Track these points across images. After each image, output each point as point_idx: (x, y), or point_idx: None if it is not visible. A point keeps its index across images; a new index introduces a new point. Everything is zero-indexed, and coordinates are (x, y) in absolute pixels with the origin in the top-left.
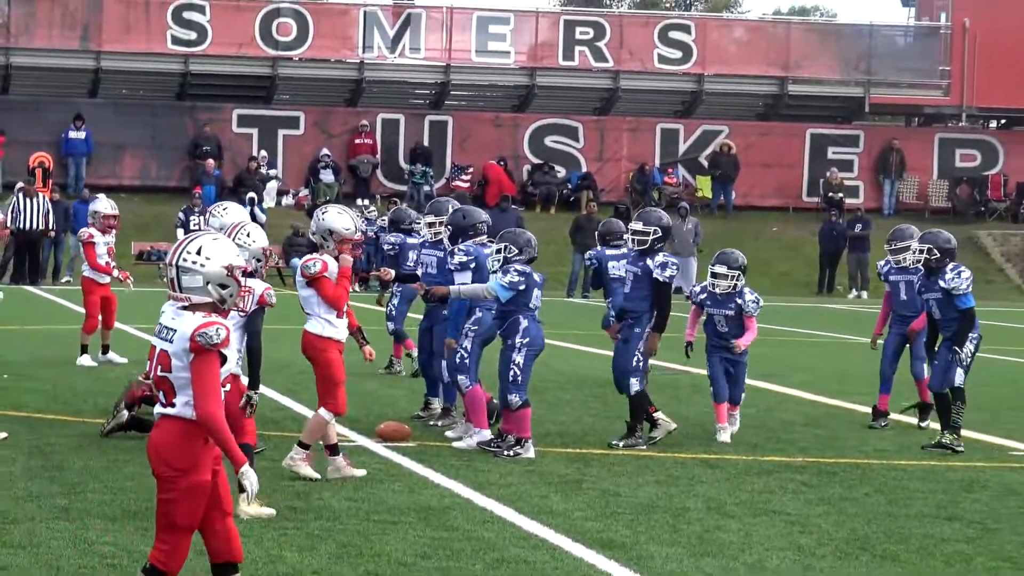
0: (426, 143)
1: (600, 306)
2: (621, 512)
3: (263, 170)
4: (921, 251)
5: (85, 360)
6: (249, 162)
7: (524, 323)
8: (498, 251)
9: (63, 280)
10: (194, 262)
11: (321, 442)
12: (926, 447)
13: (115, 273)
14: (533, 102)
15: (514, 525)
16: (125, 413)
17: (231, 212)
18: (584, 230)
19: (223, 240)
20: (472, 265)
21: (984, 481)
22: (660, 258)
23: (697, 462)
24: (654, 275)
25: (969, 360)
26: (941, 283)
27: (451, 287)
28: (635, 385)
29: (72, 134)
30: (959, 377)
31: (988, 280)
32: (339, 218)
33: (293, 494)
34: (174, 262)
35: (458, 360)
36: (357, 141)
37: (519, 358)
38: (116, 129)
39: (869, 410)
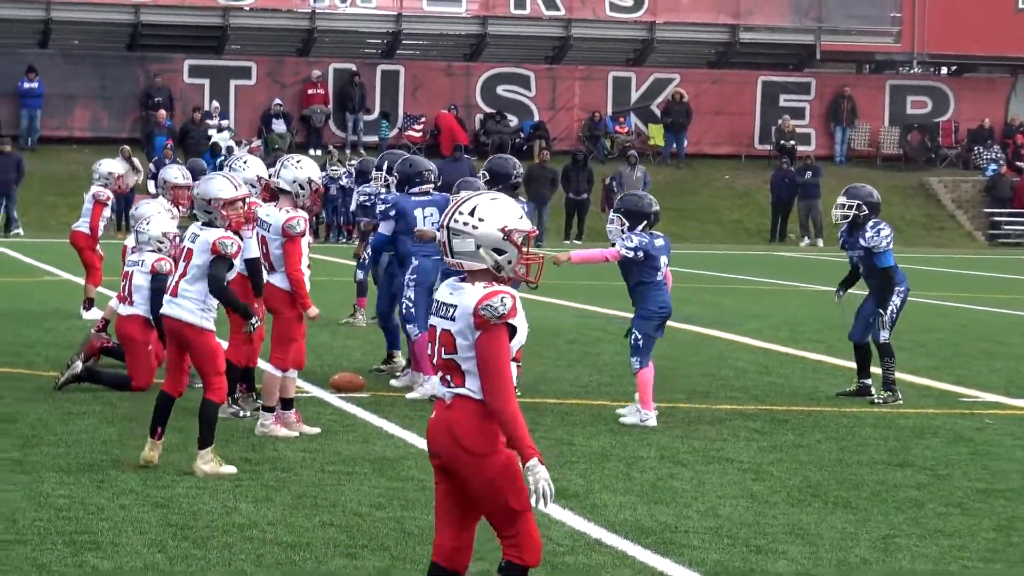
0: (378, 93)
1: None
2: (575, 461)
3: (211, 121)
4: (849, 206)
5: (94, 313)
6: (194, 113)
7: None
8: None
9: (13, 233)
10: (466, 223)
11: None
12: (875, 401)
13: (97, 247)
14: (485, 51)
15: None
16: (79, 364)
17: (253, 166)
18: (537, 179)
19: (503, 200)
20: (392, 212)
21: (935, 428)
22: None
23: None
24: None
25: (896, 314)
26: (861, 240)
27: (437, 232)
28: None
29: (27, 85)
30: (884, 334)
31: (940, 227)
32: (315, 167)
33: (248, 446)
34: (446, 223)
35: (404, 310)
36: (310, 91)
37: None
38: (67, 80)
39: (821, 357)
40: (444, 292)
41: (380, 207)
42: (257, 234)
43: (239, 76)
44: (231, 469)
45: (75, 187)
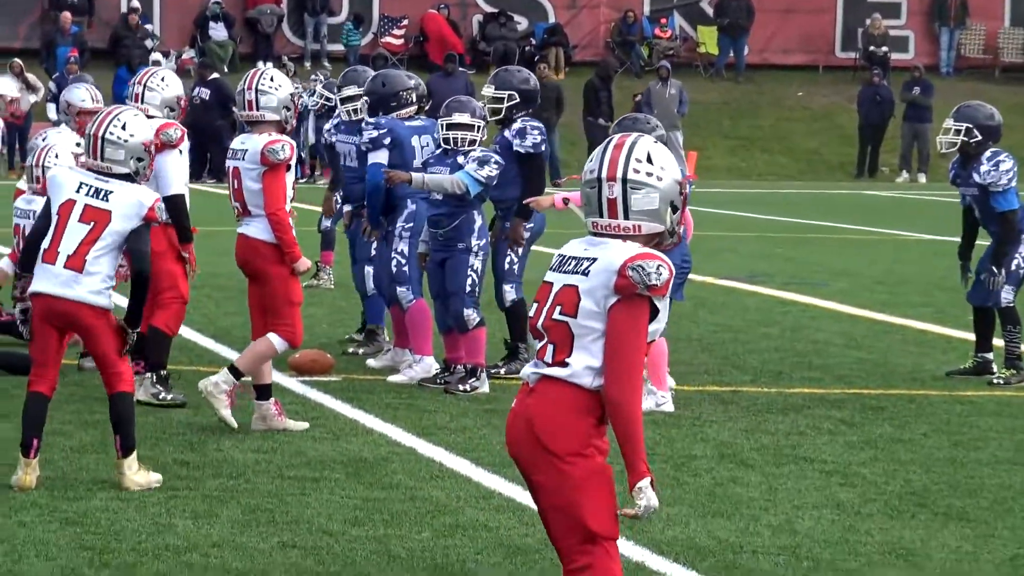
0: None
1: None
2: (608, 462)
3: (149, 25)
4: (958, 131)
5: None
6: (130, 14)
7: (479, 221)
8: (476, 129)
9: None
10: (649, 173)
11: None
12: (993, 381)
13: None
14: None
15: (470, 481)
16: None
17: (172, 84)
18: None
19: (663, 148)
20: (387, 140)
21: None
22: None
23: (705, 396)
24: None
25: (1022, 272)
26: (975, 176)
27: (413, 174)
28: (510, 293)
29: None
30: (1005, 296)
31: None
32: (288, 81)
33: (184, 444)
34: (620, 175)
35: (395, 267)
36: None
37: (477, 263)
38: None
39: (926, 326)
40: (576, 246)
41: (369, 134)
42: (228, 168)
43: None
44: (156, 477)
45: None
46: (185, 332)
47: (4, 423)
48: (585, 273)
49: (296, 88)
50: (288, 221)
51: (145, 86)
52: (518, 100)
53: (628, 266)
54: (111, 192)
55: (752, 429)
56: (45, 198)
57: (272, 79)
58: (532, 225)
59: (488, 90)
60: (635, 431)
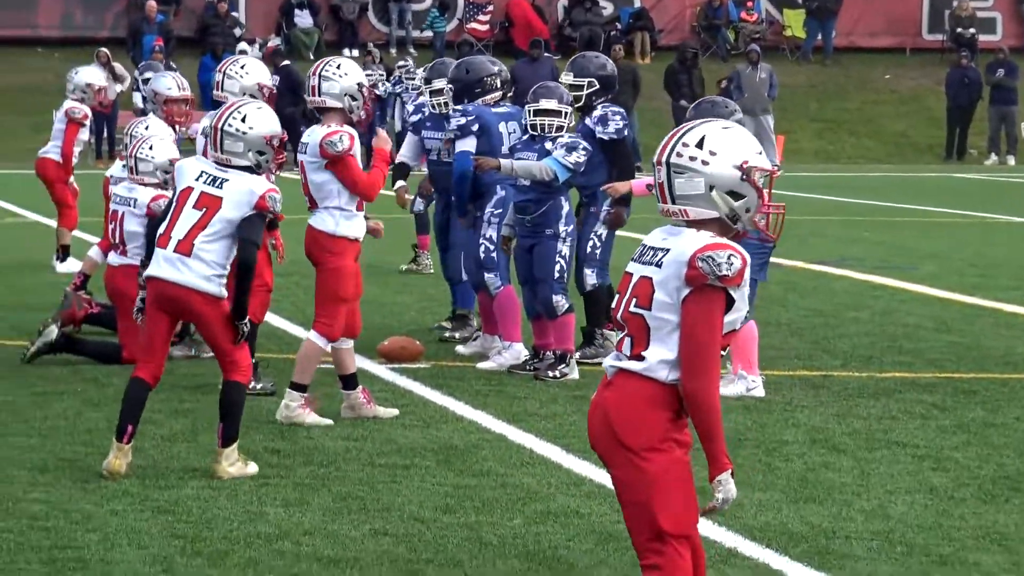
0: None
1: None
2: (700, 448)
3: (236, 13)
4: None
5: (70, 265)
6: (219, 3)
7: (566, 207)
8: (562, 115)
9: None
10: (693, 158)
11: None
12: None
13: (71, 179)
14: None
15: (561, 468)
16: (54, 329)
17: (252, 72)
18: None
19: (736, 130)
20: (475, 127)
21: None
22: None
23: (796, 381)
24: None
25: None
26: None
27: (502, 160)
28: (590, 277)
29: None
30: None
31: None
32: (358, 68)
33: (275, 433)
34: (663, 159)
35: (483, 253)
36: None
37: (565, 249)
38: None
39: (1017, 309)
40: (656, 236)
41: (457, 121)
42: (299, 161)
43: None
44: (253, 468)
45: (41, 103)
46: (274, 320)
47: (95, 411)
48: (659, 265)
49: (379, 75)
50: (375, 180)
51: (224, 74)
52: (597, 87)
53: (698, 256)
54: (226, 180)
55: (843, 414)
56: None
57: (339, 67)
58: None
59: (567, 77)
60: (714, 424)
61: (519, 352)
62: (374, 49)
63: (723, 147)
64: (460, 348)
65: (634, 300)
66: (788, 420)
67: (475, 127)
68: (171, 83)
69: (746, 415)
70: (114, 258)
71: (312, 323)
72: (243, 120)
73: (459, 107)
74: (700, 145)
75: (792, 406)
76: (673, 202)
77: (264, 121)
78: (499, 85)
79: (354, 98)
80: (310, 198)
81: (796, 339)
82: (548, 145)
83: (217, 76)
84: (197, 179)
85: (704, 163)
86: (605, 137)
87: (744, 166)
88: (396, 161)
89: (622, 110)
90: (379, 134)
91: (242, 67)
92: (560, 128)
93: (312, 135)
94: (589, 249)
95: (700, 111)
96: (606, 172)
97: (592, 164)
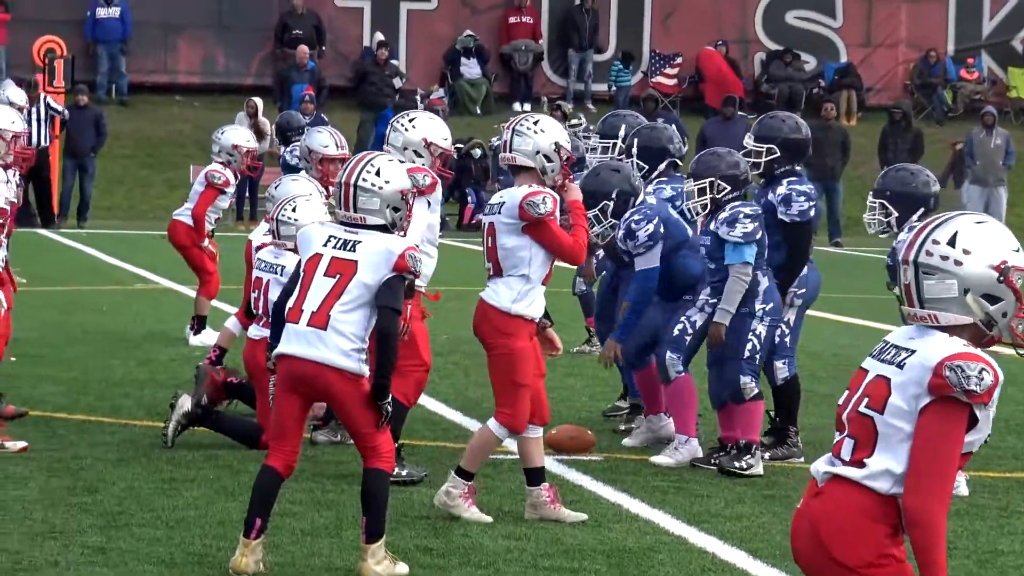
0: (613, 22)
1: None
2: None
3: (396, 61)
4: None
5: (205, 338)
6: (378, 49)
7: (765, 283)
8: (700, 191)
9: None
10: (945, 257)
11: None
12: None
13: (206, 242)
14: None
15: (747, 574)
16: (187, 398)
17: (420, 126)
18: (817, 144)
19: (992, 225)
20: (660, 234)
21: None
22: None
23: (1013, 484)
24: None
25: None
26: None
27: (718, 320)
28: (782, 370)
29: (101, 12)
30: None
31: None
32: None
33: (428, 530)
34: (911, 258)
35: (678, 331)
36: (512, 20)
37: (762, 328)
38: (165, 3)
39: None
40: (900, 334)
41: (639, 229)
42: (484, 223)
43: None
44: (403, 568)
45: (178, 156)
46: (429, 403)
47: (228, 501)
48: (901, 366)
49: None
50: (579, 249)
51: (391, 126)
52: (778, 154)
53: (946, 365)
54: (359, 242)
55: None
56: (292, 253)
57: (536, 122)
58: (803, 291)
59: (748, 140)
60: (936, 550)
61: (696, 448)
62: (565, 104)
63: (978, 244)
64: (627, 441)
65: (866, 400)
66: (1004, 527)
67: (660, 234)
68: (328, 139)
69: (955, 521)
70: (255, 330)
71: (496, 410)
72: (377, 173)
73: (636, 210)
74: (952, 243)
75: (1008, 512)
76: (922, 306)
77: (399, 174)
78: (674, 152)
79: (548, 159)
80: (495, 264)
81: (1014, 437)
82: (713, 226)
83: (506, 135)
84: (325, 244)
85: (957, 263)
86: (787, 219)
87: (1002, 266)
88: None
89: (810, 190)
90: (569, 187)
91: (410, 120)
92: (705, 206)
93: (508, 195)
94: (777, 338)
95: (700, 163)
96: (784, 252)
97: (771, 242)
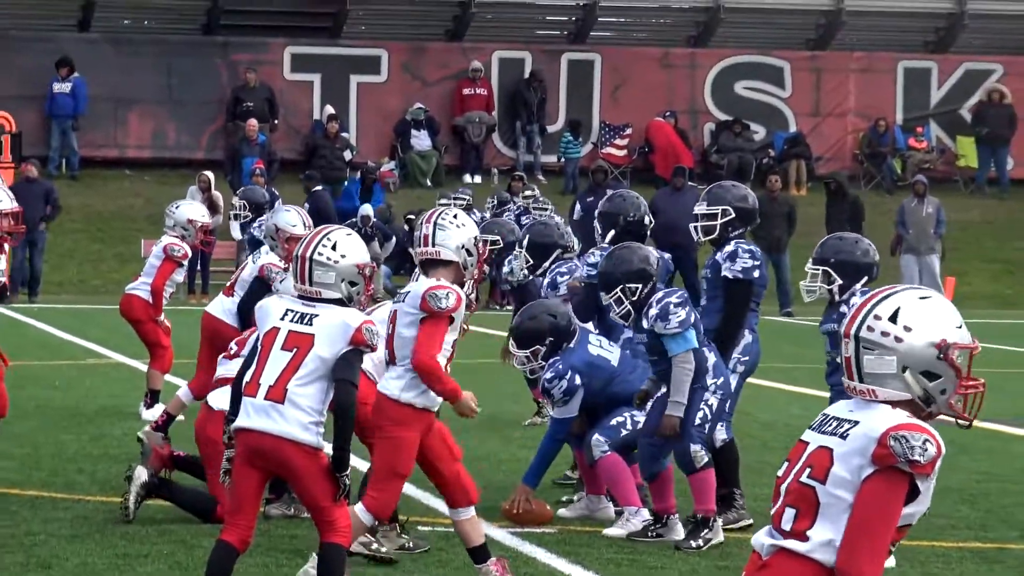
0: (562, 94)
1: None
2: None
3: (346, 134)
4: None
5: (158, 412)
6: (329, 123)
7: (712, 358)
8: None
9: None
10: (885, 333)
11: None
12: None
13: (161, 316)
14: (717, 31)
15: None
16: (143, 470)
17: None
18: (767, 216)
19: (935, 300)
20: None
21: None
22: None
23: (967, 554)
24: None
25: None
26: None
27: (671, 413)
28: (720, 433)
29: (58, 86)
30: None
31: None
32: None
33: None
34: (852, 331)
35: (614, 423)
36: (465, 91)
37: (714, 400)
38: (117, 77)
39: None
40: (841, 407)
41: (552, 388)
42: (390, 310)
43: (363, 69)
44: None
45: (128, 231)
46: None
47: None
48: (843, 436)
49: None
50: (440, 371)
51: (436, 224)
52: (732, 216)
53: (891, 435)
54: (316, 316)
55: None
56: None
57: (456, 216)
58: (747, 358)
59: (700, 207)
60: None
61: (646, 515)
62: (519, 175)
63: (920, 321)
64: (563, 511)
65: (808, 470)
66: None
67: (576, 382)
68: (295, 219)
69: None
70: (217, 399)
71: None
72: (333, 248)
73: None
74: (894, 319)
75: None
76: (861, 380)
77: (356, 249)
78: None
79: (470, 252)
80: (390, 353)
81: (967, 507)
82: (645, 323)
83: (426, 229)
84: (283, 318)
85: (898, 339)
86: (729, 275)
87: (943, 344)
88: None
89: (756, 250)
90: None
91: (454, 218)
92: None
93: (415, 285)
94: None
95: (711, 195)
96: (722, 313)
97: (714, 307)
